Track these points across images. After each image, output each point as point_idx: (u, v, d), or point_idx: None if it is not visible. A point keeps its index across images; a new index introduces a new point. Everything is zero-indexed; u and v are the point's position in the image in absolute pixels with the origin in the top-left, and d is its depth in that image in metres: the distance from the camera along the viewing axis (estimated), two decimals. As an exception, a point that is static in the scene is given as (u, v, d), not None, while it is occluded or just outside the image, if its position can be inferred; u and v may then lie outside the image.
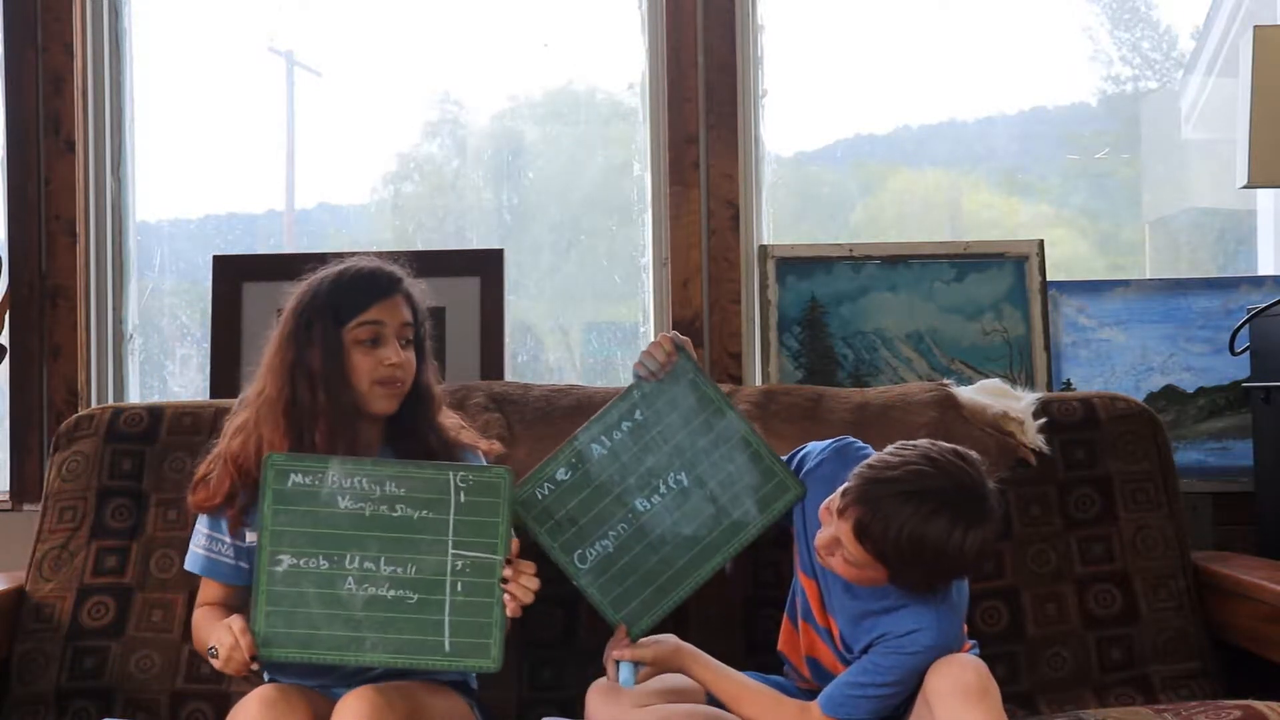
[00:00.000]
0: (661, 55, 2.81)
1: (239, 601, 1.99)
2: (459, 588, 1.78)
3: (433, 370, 2.01)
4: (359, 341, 1.89)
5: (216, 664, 1.79)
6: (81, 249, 2.83)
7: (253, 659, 1.76)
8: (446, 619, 1.77)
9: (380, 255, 2.03)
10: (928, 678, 1.75)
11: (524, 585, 1.80)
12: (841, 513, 1.77)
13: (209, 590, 2.00)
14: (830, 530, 1.80)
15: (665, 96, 2.80)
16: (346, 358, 1.88)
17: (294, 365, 1.88)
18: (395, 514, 1.81)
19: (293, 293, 1.95)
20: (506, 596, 1.79)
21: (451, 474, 1.83)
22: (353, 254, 2.04)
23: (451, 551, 1.80)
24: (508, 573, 1.80)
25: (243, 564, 1.96)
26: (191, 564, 2.00)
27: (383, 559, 1.80)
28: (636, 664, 1.90)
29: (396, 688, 1.77)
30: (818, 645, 1.96)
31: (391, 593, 1.79)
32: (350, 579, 1.79)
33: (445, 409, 2.05)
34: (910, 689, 1.81)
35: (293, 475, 1.83)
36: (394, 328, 1.91)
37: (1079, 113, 2.99)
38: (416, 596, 1.78)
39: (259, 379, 1.94)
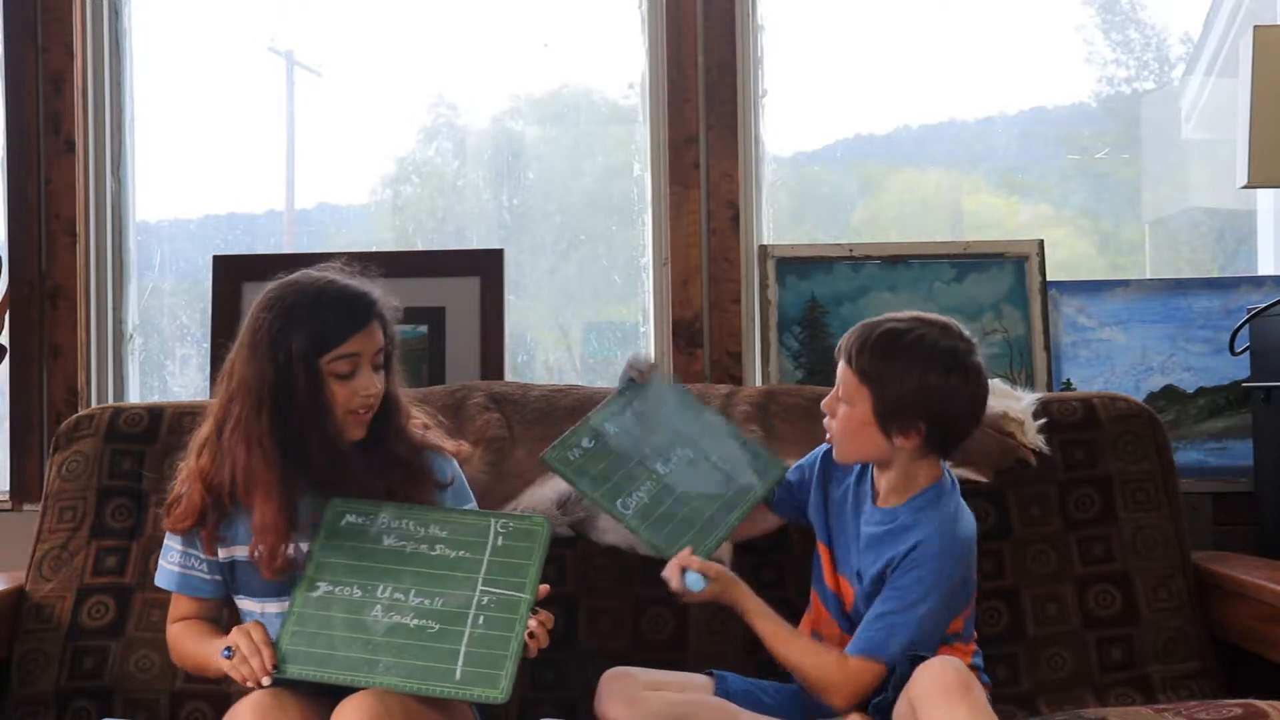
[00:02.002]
0: (661, 55, 2.81)
1: (215, 614, 1.99)
2: (480, 620, 1.80)
3: (398, 377, 1.97)
4: (336, 374, 1.84)
5: (226, 666, 1.78)
6: (81, 249, 2.83)
7: (273, 668, 1.76)
8: (462, 649, 1.78)
9: (353, 260, 1.96)
10: (910, 681, 1.75)
11: (546, 631, 1.80)
12: (837, 352, 1.94)
13: (182, 605, 1.98)
14: (831, 393, 1.94)
15: (665, 97, 2.80)
16: (325, 387, 1.84)
17: (274, 390, 1.82)
18: (434, 553, 1.87)
19: (262, 302, 1.86)
20: (530, 637, 1.78)
21: (493, 520, 1.90)
22: (327, 256, 1.99)
23: (480, 587, 1.83)
24: (532, 623, 1.79)
25: (217, 577, 1.94)
26: (165, 581, 1.97)
27: (413, 591, 1.83)
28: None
29: (394, 691, 1.75)
30: (823, 617, 1.99)
31: (415, 621, 1.80)
32: (379, 607, 1.82)
33: (412, 410, 2.01)
34: (932, 624, 1.85)
35: (348, 516, 1.89)
36: (369, 356, 1.86)
37: (1079, 113, 2.99)
38: (438, 626, 1.80)
39: (227, 396, 1.87)
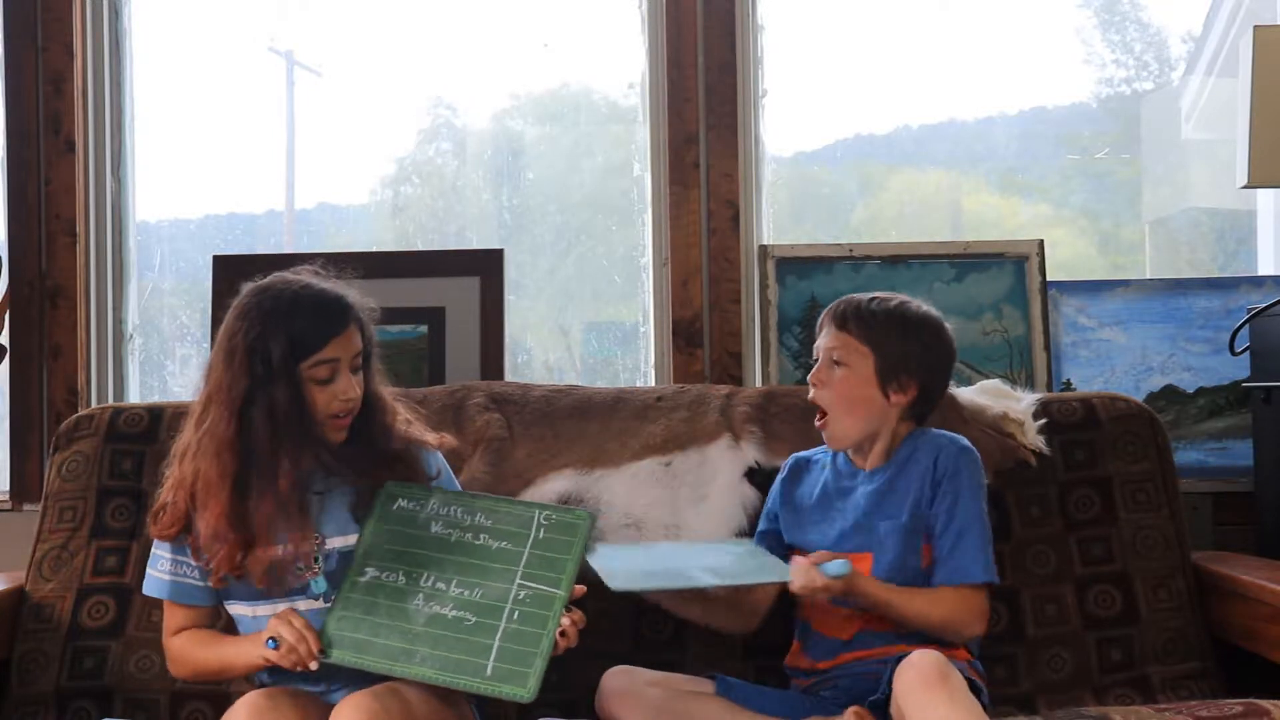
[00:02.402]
0: (661, 55, 2.81)
1: (211, 622, 1.97)
2: (515, 616, 1.81)
3: (379, 376, 1.97)
4: (315, 379, 1.83)
5: (274, 656, 1.78)
6: (81, 249, 2.83)
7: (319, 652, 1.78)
8: (496, 644, 1.79)
9: (329, 262, 1.96)
10: (894, 678, 1.78)
11: (577, 631, 1.81)
12: (822, 327, 2.06)
13: (177, 615, 1.95)
14: (818, 366, 2.03)
15: (665, 96, 2.80)
16: (305, 393, 1.83)
17: (247, 401, 1.81)
18: (477, 542, 1.89)
19: (237, 309, 1.85)
20: (561, 635, 1.79)
21: (538, 511, 1.92)
22: (300, 258, 1.98)
23: (518, 581, 1.84)
24: (565, 622, 1.80)
25: (210, 583, 1.92)
26: (156, 589, 1.95)
27: (454, 581, 1.85)
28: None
29: (392, 691, 1.75)
30: (829, 617, 2.01)
31: (453, 612, 1.82)
32: (420, 595, 1.84)
33: (394, 406, 2.00)
34: (987, 525, 2.00)
35: (400, 500, 1.93)
36: (347, 360, 1.86)
37: (1079, 113, 2.99)
38: (475, 619, 1.81)
39: (203, 405, 1.85)
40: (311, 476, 1.89)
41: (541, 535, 1.88)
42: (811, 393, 2.05)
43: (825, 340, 2.05)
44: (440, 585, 1.84)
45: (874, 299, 2.05)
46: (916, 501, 1.99)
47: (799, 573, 1.90)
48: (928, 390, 2.04)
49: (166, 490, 1.91)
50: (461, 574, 1.85)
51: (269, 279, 1.89)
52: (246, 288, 1.89)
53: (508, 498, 1.98)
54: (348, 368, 1.86)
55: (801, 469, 2.16)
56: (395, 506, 1.92)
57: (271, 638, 1.78)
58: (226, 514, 1.81)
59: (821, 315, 2.09)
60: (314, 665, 1.77)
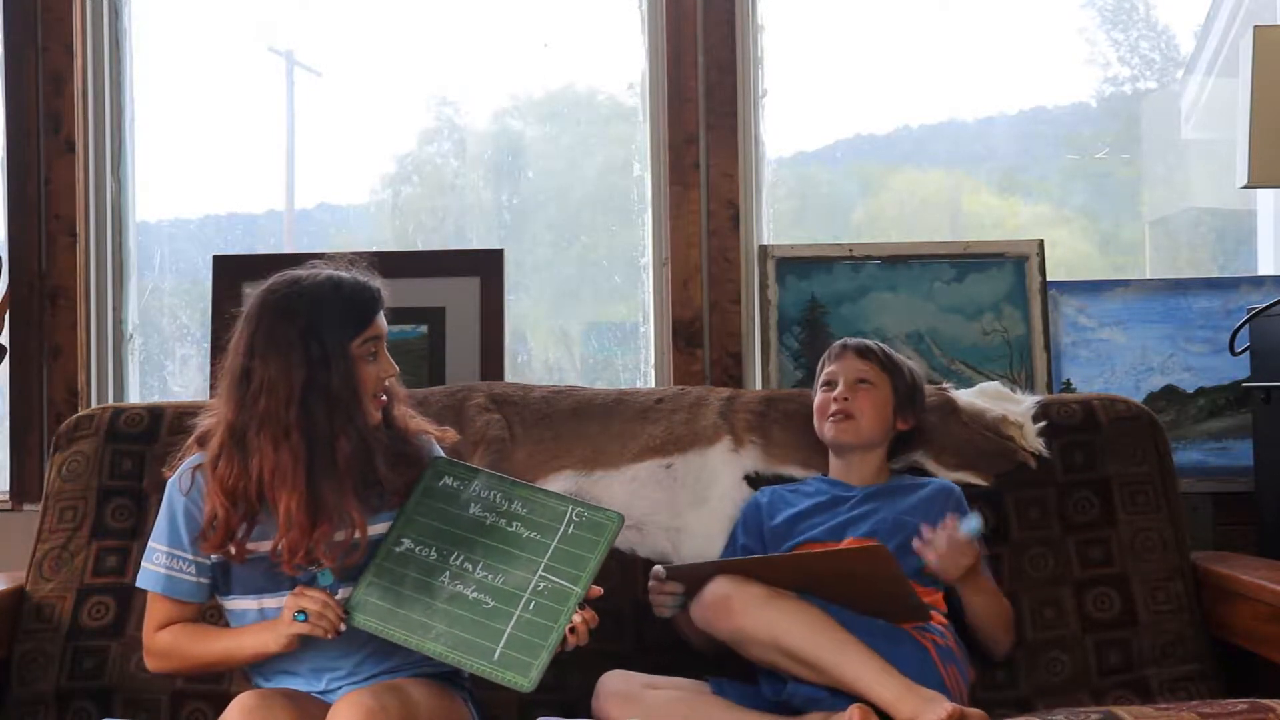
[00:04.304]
0: (661, 55, 2.81)
1: (195, 620, 1.95)
2: (531, 606, 1.84)
3: None
4: (362, 357, 1.87)
5: (304, 629, 1.79)
6: (81, 249, 2.83)
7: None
8: (508, 630, 1.82)
9: (342, 258, 1.98)
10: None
11: (587, 630, 1.83)
12: (835, 359, 2.27)
13: (164, 610, 1.92)
14: (836, 390, 2.22)
15: (665, 96, 2.80)
16: (357, 372, 1.86)
17: (305, 385, 1.82)
18: (510, 529, 1.92)
19: (273, 305, 1.86)
20: (570, 632, 1.80)
21: (571, 507, 1.94)
22: (300, 258, 1.99)
23: (539, 572, 1.87)
24: (576, 619, 1.81)
25: (204, 580, 1.91)
26: (149, 582, 1.92)
27: (481, 563, 1.89)
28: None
29: (390, 689, 1.76)
30: None
31: (474, 594, 1.86)
32: (448, 573, 1.88)
33: (404, 393, 2.03)
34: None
35: (446, 477, 1.98)
36: (384, 337, 1.91)
37: (1079, 113, 2.99)
38: (493, 604, 1.85)
39: (242, 399, 1.84)
40: (359, 460, 1.88)
41: (570, 531, 1.91)
42: (834, 408, 2.21)
43: (846, 365, 2.25)
44: (467, 565, 1.88)
45: (878, 343, 2.30)
46: (925, 518, 2.10)
47: (940, 533, 2.01)
48: (918, 428, 2.27)
49: (208, 504, 1.87)
50: (489, 558, 1.89)
51: (288, 274, 1.91)
52: (269, 285, 1.90)
53: (545, 489, 2.02)
54: (384, 344, 1.92)
55: (782, 497, 2.24)
56: (440, 483, 1.97)
57: (300, 611, 1.79)
58: (304, 499, 1.81)
59: (830, 350, 2.30)
60: (343, 627, 1.81)
